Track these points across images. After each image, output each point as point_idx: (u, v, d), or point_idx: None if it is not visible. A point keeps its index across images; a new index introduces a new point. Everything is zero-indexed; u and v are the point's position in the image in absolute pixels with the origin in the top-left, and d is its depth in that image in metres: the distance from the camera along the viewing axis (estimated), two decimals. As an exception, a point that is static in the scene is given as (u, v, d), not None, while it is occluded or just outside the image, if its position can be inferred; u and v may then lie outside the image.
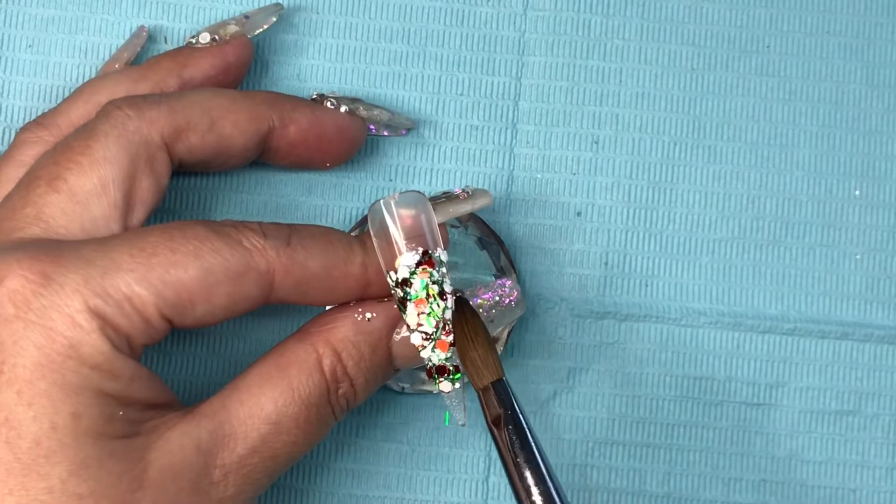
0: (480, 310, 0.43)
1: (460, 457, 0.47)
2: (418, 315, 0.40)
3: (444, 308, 0.40)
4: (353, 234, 0.46)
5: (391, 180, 0.48)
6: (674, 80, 0.48)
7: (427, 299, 0.40)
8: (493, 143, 0.48)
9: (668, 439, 0.47)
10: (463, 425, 0.42)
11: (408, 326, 0.40)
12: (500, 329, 0.45)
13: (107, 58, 0.47)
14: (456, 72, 0.48)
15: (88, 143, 0.40)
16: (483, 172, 0.48)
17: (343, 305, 0.41)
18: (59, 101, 0.47)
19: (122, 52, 0.47)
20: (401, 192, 0.41)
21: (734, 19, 0.48)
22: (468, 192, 0.44)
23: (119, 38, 0.48)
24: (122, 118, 0.41)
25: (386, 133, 0.47)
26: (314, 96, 0.46)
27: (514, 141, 0.48)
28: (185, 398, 0.46)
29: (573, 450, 0.47)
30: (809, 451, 0.47)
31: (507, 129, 0.48)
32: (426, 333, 0.40)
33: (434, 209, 0.42)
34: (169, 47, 0.48)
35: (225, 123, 0.42)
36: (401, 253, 0.40)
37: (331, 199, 0.47)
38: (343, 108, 0.45)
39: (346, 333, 0.41)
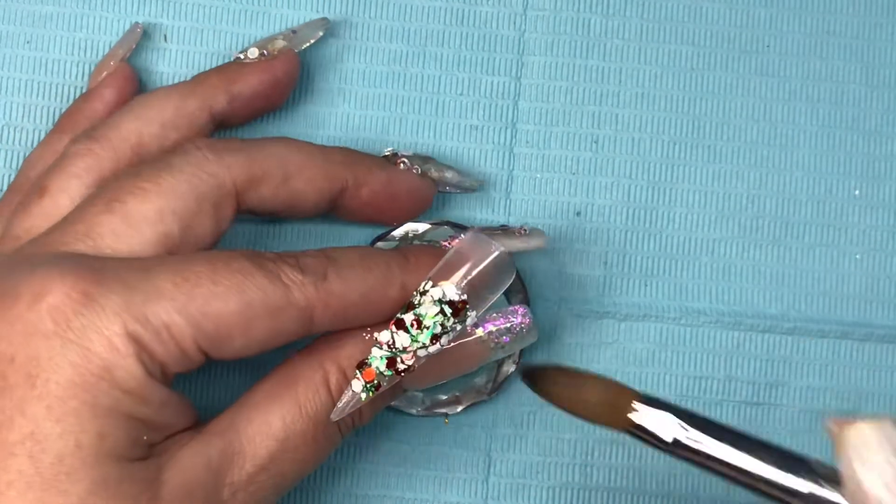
0: (490, 335, 0.42)
1: (460, 456, 0.46)
2: (406, 328, 0.40)
3: (423, 346, 0.40)
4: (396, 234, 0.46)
5: (390, 180, 0.48)
6: (673, 80, 0.48)
7: (422, 327, 0.40)
8: (493, 142, 0.48)
9: (668, 438, 0.47)
10: (332, 419, 0.40)
11: (390, 324, 0.40)
12: (509, 355, 0.45)
13: (106, 54, 0.47)
14: (455, 71, 0.48)
15: (160, 173, 0.40)
16: (483, 172, 0.48)
17: None
18: (57, 99, 0.47)
19: (117, 49, 0.47)
20: (508, 252, 0.41)
21: (734, 19, 0.48)
22: (525, 230, 0.44)
23: (118, 35, 0.47)
24: (201, 159, 0.40)
25: (452, 191, 0.47)
26: (387, 153, 0.46)
27: (513, 140, 0.48)
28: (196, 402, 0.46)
29: (573, 449, 0.47)
30: (809, 451, 0.47)
31: (506, 128, 0.48)
32: (393, 343, 0.40)
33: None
34: (168, 45, 0.48)
35: (299, 179, 0.42)
36: (450, 282, 0.40)
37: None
38: (415, 169, 0.45)
39: (353, 352, 0.40)
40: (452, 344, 0.41)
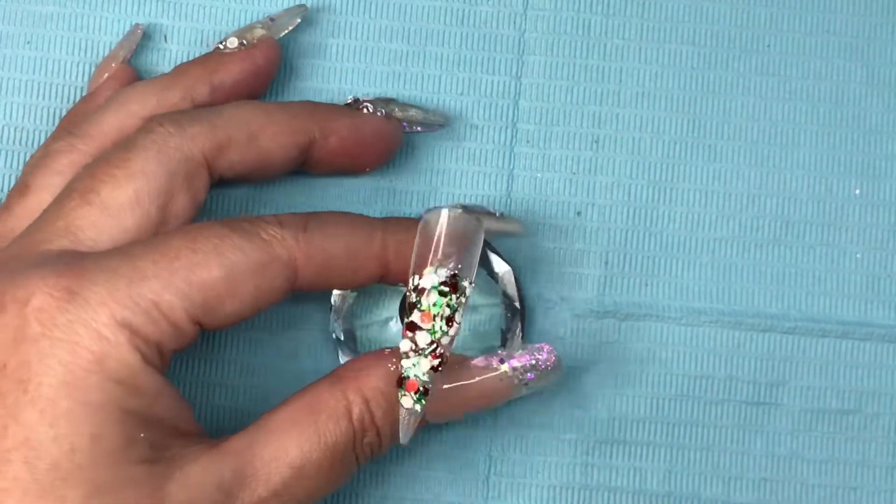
0: (515, 371, 0.42)
1: (460, 456, 0.46)
2: (419, 326, 0.40)
3: (445, 333, 0.40)
4: None
5: (391, 181, 0.48)
6: (674, 80, 0.48)
7: (434, 317, 0.40)
8: (493, 142, 0.48)
9: (668, 438, 0.47)
10: (404, 446, 0.41)
11: (404, 330, 0.40)
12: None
13: (106, 55, 0.47)
14: (456, 71, 0.48)
15: (127, 156, 0.40)
16: (483, 172, 0.48)
17: (377, 353, 0.41)
18: (58, 99, 0.47)
19: (118, 50, 0.47)
20: (464, 211, 0.41)
21: (734, 18, 0.48)
22: (502, 214, 0.44)
23: (119, 35, 0.47)
24: (164, 134, 0.41)
25: (420, 129, 0.47)
26: (349, 101, 0.46)
27: (513, 140, 0.48)
28: (195, 409, 0.46)
29: (574, 449, 0.47)
30: (810, 450, 0.47)
31: (506, 128, 0.48)
32: (416, 345, 0.40)
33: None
34: (169, 46, 0.48)
35: (265, 138, 0.42)
36: (433, 263, 0.40)
37: (330, 200, 0.47)
38: (380, 112, 0.46)
39: (378, 383, 0.40)
40: (477, 379, 0.41)
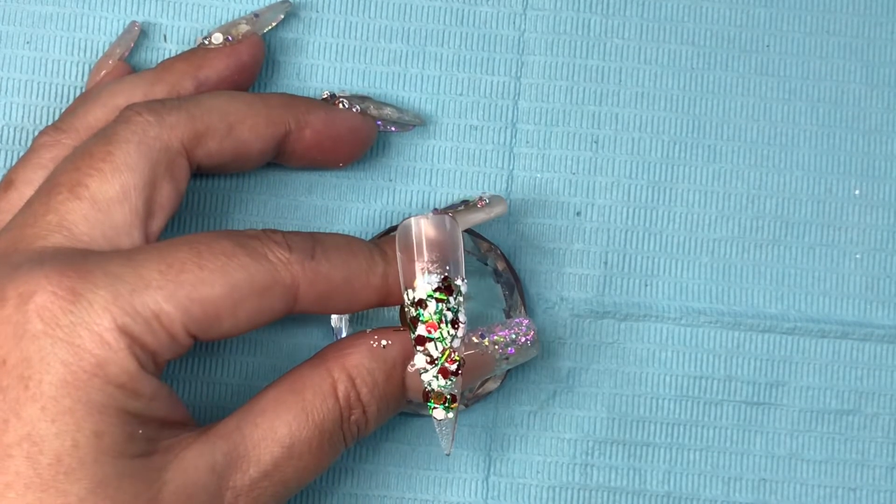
0: (496, 346, 0.42)
1: (460, 456, 0.46)
2: (427, 337, 0.40)
3: (454, 337, 0.40)
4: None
5: (391, 180, 0.48)
6: (673, 80, 0.48)
7: (438, 324, 0.40)
8: (493, 142, 0.48)
9: (668, 438, 0.47)
10: (447, 454, 0.42)
11: (414, 345, 0.40)
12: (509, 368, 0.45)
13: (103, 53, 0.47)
14: (455, 71, 0.48)
15: (109, 149, 0.40)
16: (482, 172, 0.48)
17: (360, 332, 0.41)
18: (57, 99, 0.47)
19: (115, 48, 0.47)
20: (434, 214, 0.41)
21: (734, 19, 0.48)
22: (485, 200, 0.44)
23: (118, 35, 0.47)
24: (143, 124, 0.41)
25: (394, 129, 0.47)
26: (325, 96, 0.46)
27: (513, 140, 0.48)
28: (195, 409, 0.46)
29: (573, 449, 0.47)
30: (809, 451, 0.47)
31: (506, 128, 0.48)
32: (430, 357, 0.40)
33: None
34: (168, 45, 0.48)
35: (243, 128, 0.42)
36: (422, 273, 0.40)
37: (330, 199, 0.47)
38: (355, 108, 0.46)
39: (362, 360, 0.40)
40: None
